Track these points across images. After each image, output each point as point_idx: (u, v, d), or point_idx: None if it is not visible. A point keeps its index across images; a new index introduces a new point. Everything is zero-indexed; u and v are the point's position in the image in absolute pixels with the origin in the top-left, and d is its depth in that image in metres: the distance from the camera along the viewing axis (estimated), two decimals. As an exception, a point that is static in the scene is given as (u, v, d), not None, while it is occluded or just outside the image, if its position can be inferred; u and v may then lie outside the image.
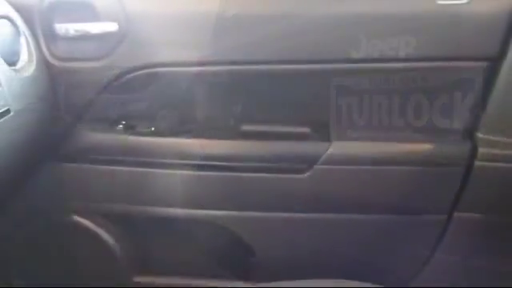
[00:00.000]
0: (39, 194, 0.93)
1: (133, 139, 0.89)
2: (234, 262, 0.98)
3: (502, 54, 0.80)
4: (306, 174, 0.87)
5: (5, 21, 0.73)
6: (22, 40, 0.77)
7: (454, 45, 0.81)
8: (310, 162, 0.86)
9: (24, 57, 0.77)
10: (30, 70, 0.77)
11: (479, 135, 0.85)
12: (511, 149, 0.84)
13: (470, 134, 0.86)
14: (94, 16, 0.81)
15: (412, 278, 0.95)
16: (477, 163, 0.85)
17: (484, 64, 0.81)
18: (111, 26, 0.81)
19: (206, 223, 0.94)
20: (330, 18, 0.80)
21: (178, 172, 0.89)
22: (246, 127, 0.90)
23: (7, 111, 0.69)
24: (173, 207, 0.92)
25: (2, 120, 0.68)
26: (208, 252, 0.99)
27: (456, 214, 0.89)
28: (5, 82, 0.69)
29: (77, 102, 0.87)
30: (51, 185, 0.93)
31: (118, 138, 0.89)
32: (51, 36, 0.83)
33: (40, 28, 0.82)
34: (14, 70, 0.72)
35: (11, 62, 0.73)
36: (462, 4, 0.77)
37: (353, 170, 0.86)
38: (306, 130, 0.88)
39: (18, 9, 0.79)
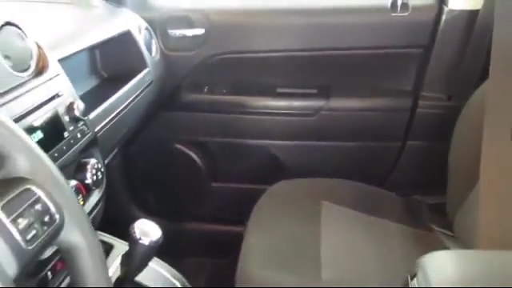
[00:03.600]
0: (156, 131, 1.49)
1: (212, 97, 1.44)
2: (272, 172, 1.50)
3: (431, 44, 1.30)
4: (314, 117, 1.41)
5: (146, 31, 1.31)
6: (153, 40, 1.35)
7: (402, 39, 1.32)
8: (317, 109, 1.40)
9: (154, 50, 1.34)
10: (157, 57, 1.35)
11: (421, 93, 1.37)
12: (441, 101, 1.35)
13: (415, 92, 1.37)
14: (190, 25, 1.35)
15: (385, 179, 1.47)
16: (418, 110, 1.37)
17: (420, 50, 1.33)
18: (200, 31, 1.35)
19: (255, 148, 1.49)
20: (326, 25, 1.32)
21: (239, 116, 1.43)
22: (279, 89, 1.44)
23: (151, 82, 1.25)
24: (236, 138, 1.48)
25: (150, 87, 1.24)
26: (256, 167, 1.54)
27: (408, 142, 1.42)
28: (150, 64, 1.25)
29: (179, 75, 1.42)
30: (162, 124, 1.49)
31: (204, 96, 1.44)
32: (165, 37, 1.37)
33: (159, 32, 1.36)
34: (152, 57, 1.29)
35: (150, 53, 1.30)
36: (404, 15, 1.27)
37: (341, 114, 1.40)
38: (314, 91, 1.42)
39: (148, 22, 1.33)
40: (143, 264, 0.75)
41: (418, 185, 1.42)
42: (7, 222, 0.42)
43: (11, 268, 0.41)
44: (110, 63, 1.21)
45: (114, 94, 1.02)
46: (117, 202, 1.59)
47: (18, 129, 0.48)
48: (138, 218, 0.75)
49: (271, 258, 1.05)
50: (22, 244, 0.42)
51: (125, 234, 0.74)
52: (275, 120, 1.44)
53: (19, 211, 0.43)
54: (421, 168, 1.43)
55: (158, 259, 0.89)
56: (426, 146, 1.41)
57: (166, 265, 0.92)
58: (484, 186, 0.94)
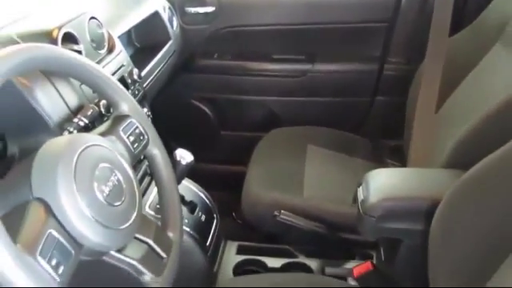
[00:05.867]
0: (176, 89, 1.82)
1: (221, 62, 1.79)
2: (268, 122, 1.84)
3: (394, 18, 1.61)
4: (303, 78, 1.75)
5: (169, 9, 1.64)
6: (174, 17, 1.68)
7: (371, 14, 1.64)
8: (304, 72, 1.74)
9: (175, 24, 1.67)
10: (177, 30, 1.69)
11: (387, 58, 1.70)
12: (402, 65, 1.68)
13: (382, 57, 1.70)
14: (203, 3, 1.68)
15: (358, 127, 1.80)
16: (384, 72, 1.70)
17: (385, 24, 1.64)
18: (211, 9, 1.68)
19: (255, 103, 1.84)
20: (312, 4, 1.64)
21: (242, 77, 1.77)
22: (274, 56, 1.77)
23: (174, 51, 1.60)
24: (240, 95, 1.82)
25: (172, 56, 1.59)
26: (256, 118, 1.89)
27: (376, 98, 1.76)
28: (172, 36, 1.60)
29: (194, 44, 1.75)
30: (181, 84, 1.82)
31: (214, 62, 1.79)
32: (183, 13, 1.70)
33: (178, 9, 1.69)
34: (174, 31, 1.63)
35: (172, 27, 1.64)
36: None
37: (324, 76, 1.74)
38: (302, 57, 1.75)
39: (169, 1, 1.67)
40: (181, 178, 1.12)
41: (383, 131, 1.76)
42: (125, 137, 0.79)
43: (128, 162, 0.78)
44: (142, 36, 1.54)
45: (151, 61, 1.37)
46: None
47: (120, 84, 0.83)
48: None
49: (267, 182, 1.41)
50: (132, 150, 0.79)
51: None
52: (271, 80, 1.78)
53: (129, 132, 0.80)
54: (385, 118, 1.77)
55: (188, 178, 1.27)
56: (389, 101, 1.74)
57: (194, 182, 1.30)
58: (416, 131, 1.30)
